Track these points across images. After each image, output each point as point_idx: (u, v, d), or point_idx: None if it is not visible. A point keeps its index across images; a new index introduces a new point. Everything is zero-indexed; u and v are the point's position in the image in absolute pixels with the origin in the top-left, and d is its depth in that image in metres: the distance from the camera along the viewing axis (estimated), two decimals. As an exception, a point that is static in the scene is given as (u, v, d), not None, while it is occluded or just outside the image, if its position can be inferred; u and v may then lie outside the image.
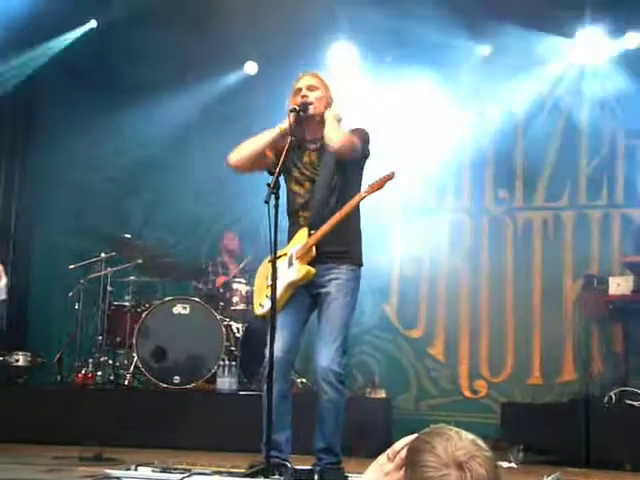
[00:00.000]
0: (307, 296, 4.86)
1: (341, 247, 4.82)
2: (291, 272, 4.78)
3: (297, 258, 4.79)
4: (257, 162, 4.89)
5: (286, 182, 4.90)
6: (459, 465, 1.75)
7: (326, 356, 4.65)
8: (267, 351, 4.49)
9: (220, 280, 8.75)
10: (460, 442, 1.79)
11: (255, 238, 8.30)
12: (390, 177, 4.72)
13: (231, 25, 8.56)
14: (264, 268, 5.02)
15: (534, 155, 8.95)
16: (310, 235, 4.78)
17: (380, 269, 8.57)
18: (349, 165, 4.85)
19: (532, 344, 8.72)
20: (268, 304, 4.69)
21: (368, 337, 9.15)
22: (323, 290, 4.79)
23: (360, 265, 4.92)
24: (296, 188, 4.95)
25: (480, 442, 1.82)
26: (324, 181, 4.86)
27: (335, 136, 4.74)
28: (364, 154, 4.91)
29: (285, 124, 4.80)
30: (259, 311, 5.00)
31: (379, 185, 4.71)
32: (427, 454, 1.79)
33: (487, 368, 8.84)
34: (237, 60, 9.54)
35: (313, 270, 4.76)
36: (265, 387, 4.50)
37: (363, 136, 4.89)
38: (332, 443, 4.71)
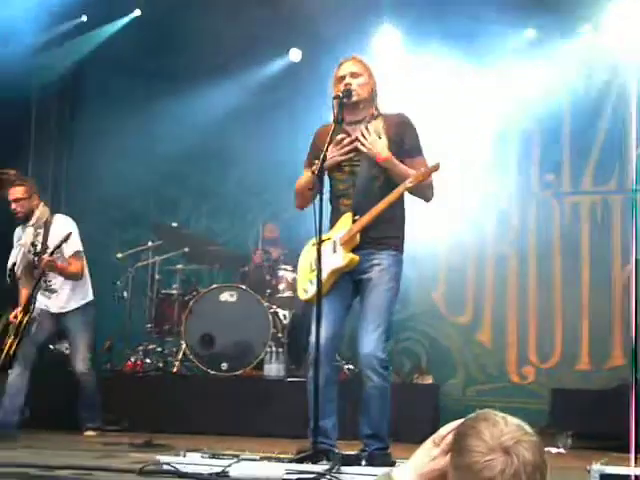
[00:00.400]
0: (349, 282, 4.86)
1: (383, 233, 4.81)
2: (336, 259, 4.78)
3: (341, 244, 4.79)
4: (314, 194, 4.78)
5: (327, 169, 4.88)
6: (506, 450, 1.75)
7: (369, 343, 4.65)
8: (312, 337, 4.52)
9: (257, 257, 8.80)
10: (506, 427, 1.78)
11: (296, 229, 8.28)
12: (435, 169, 4.71)
13: (275, 11, 8.56)
14: (307, 253, 5.02)
15: (582, 138, 8.86)
16: (354, 221, 4.78)
17: (427, 256, 8.55)
18: (393, 152, 4.83)
19: (580, 329, 8.64)
20: (312, 289, 4.73)
21: (415, 323, 9.13)
22: (365, 276, 4.78)
23: (401, 251, 4.91)
24: (337, 174, 4.94)
25: (527, 427, 1.82)
26: (366, 168, 4.84)
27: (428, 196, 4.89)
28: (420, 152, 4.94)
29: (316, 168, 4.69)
30: (303, 296, 5.00)
31: (424, 176, 4.69)
32: (473, 439, 1.79)
33: (535, 354, 8.78)
34: (281, 47, 9.55)
35: (357, 258, 4.76)
36: (310, 373, 4.52)
37: (419, 144, 4.93)
38: (379, 429, 4.72)
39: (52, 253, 6.62)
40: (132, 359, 8.36)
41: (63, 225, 6.92)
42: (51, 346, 8.44)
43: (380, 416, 4.72)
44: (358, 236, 4.76)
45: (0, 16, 8.06)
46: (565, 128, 8.97)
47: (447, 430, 1.95)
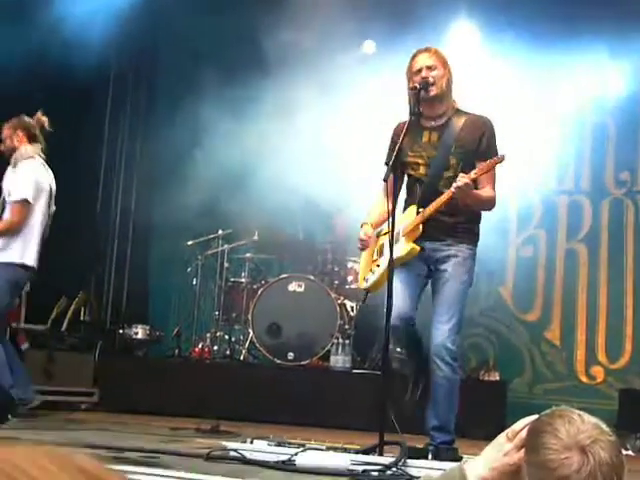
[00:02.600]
0: (424, 266, 4.86)
1: (462, 225, 4.81)
2: (397, 248, 4.77)
3: (404, 235, 4.80)
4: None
5: (402, 164, 4.88)
6: (582, 449, 1.72)
7: (441, 334, 4.68)
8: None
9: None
10: (583, 425, 1.76)
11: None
12: (499, 161, 4.60)
13: (350, 3, 8.55)
14: (372, 243, 5.07)
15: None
16: (418, 213, 4.79)
17: (496, 251, 8.45)
18: (469, 149, 4.81)
19: (652, 330, 8.49)
20: (372, 278, 4.95)
21: (483, 319, 9.06)
22: (441, 267, 4.80)
23: (476, 245, 4.90)
24: (411, 171, 4.95)
25: (604, 426, 1.79)
26: (440, 160, 4.85)
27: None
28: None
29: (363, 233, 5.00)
30: (363, 285, 5.08)
31: (488, 167, 4.61)
32: (549, 436, 1.76)
33: (604, 354, 8.65)
34: (355, 39, 9.50)
35: (417, 248, 4.78)
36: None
37: (495, 150, 4.85)
38: (446, 421, 4.71)
39: None
40: (200, 346, 8.44)
41: (21, 172, 6.24)
42: (120, 330, 8.58)
43: (448, 408, 4.71)
44: (421, 227, 4.78)
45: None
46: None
47: (521, 425, 1.92)
